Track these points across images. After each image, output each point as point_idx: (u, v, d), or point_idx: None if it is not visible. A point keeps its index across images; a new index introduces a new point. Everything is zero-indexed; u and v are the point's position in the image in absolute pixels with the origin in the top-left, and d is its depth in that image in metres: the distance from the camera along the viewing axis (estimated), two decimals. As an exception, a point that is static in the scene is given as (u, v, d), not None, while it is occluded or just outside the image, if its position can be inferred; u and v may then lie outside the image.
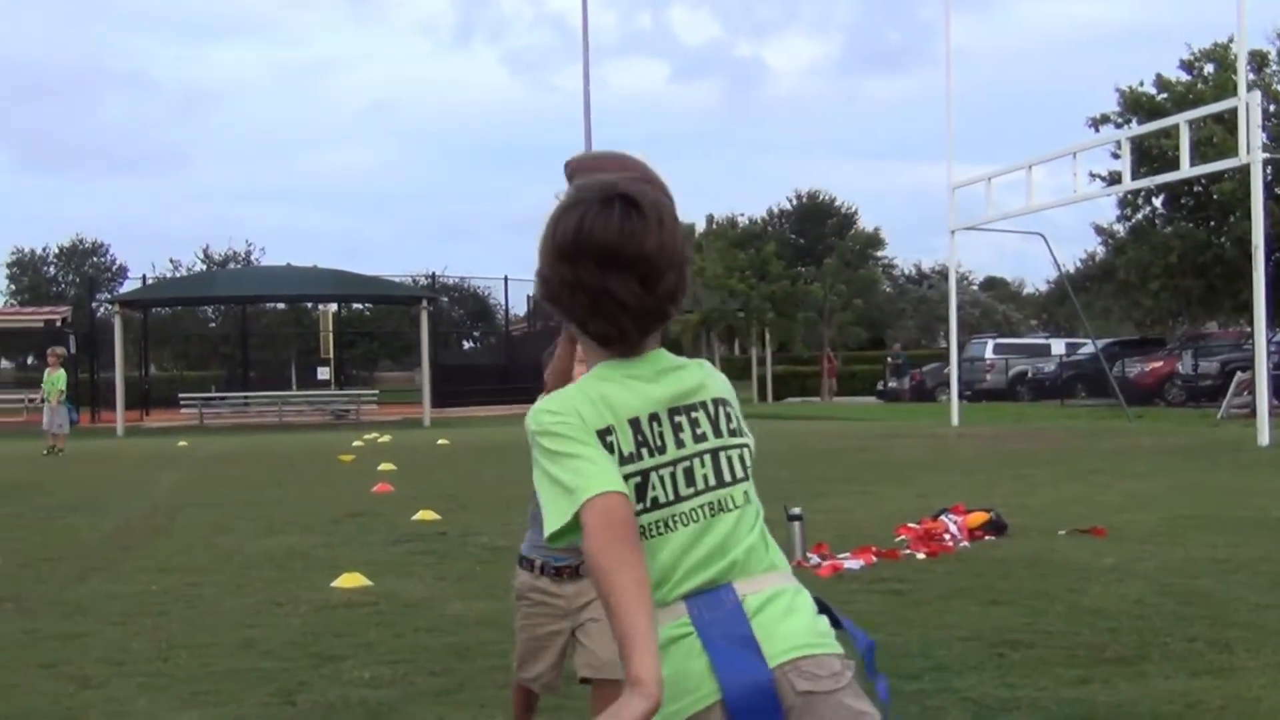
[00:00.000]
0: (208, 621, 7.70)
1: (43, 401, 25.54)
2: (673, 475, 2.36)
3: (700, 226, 62.13)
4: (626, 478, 2.32)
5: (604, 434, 2.33)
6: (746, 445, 2.46)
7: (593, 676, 4.30)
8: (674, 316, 2.42)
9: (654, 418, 2.37)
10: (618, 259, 2.30)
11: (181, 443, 28.86)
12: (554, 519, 2.27)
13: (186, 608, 8.14)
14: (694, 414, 2.41)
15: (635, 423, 2.36)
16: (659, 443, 2.37)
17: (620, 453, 2.34)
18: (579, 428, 2.32)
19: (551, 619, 4.37)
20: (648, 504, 2.35)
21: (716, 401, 2.45)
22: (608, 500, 2.24)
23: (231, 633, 7.34)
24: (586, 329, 2.39)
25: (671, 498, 2.36)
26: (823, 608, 2.45)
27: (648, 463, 2.35)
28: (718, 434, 2.42)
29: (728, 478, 2.41)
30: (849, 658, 2.38)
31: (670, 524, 2.35)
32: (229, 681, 6.20)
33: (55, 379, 25.92)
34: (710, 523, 2.36)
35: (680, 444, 2.38)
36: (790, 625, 2.33)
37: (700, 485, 2.38)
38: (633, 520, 2.28)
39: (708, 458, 2.40)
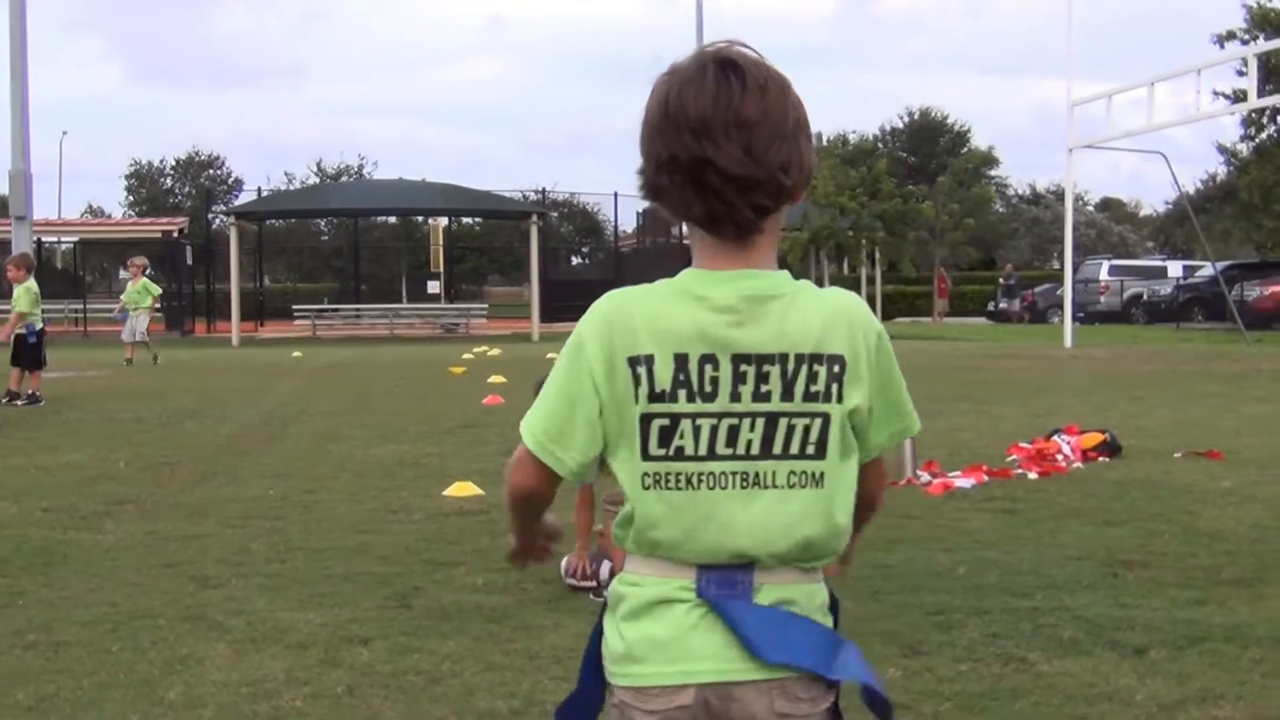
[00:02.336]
0: (323, 526, 7.82)
1: (132, 310, 25.79)
2: (713, 429, 2.06)
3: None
4: (651, 416, 2.06)
5: (635, 362, 2.06)
6: (825, 415, 2.08)
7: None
8: (792, 195, 2.08)
9: (709, 359, 2.05)
10: (714, 126, 2.02)
11: (295, 353, 29.27)
12: (566, 455, 2.14)
13: (303, 513, 8.27)
14: (766, 367, 2.06)
15: (682, 359, 2.06)
16: (707, 389, 2.05)
17: (650, 387, 2.05)
18: (610, 348, 2.08)
19: None
20: (670, 452, 2.06)
21: (807, 358, 2.07)
22: (526, 467, 2.18)
23: (346, 538, 7.45)
24: (692, 213, 2.07)
25: (704, 453, 2.06)
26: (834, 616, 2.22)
27: (683, 407, 2.05)
28: (786, 397, 2.06)
29: (778, 449, 2.07)
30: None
31: (695, 481, 2.07)
32: (345, 584, 6.31)
33: (139, 288, 26.21)
34: (742, 496, 2.07)
35: (735, 397, 2.06)
36: (794, 636, 2.08)
37: (741, 450, 2.07)
38: (534, 496, 2.22)
39: (760, 421, 2.06)
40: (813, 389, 2.07)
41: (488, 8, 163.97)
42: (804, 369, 2.07)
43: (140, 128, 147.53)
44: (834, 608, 2.22)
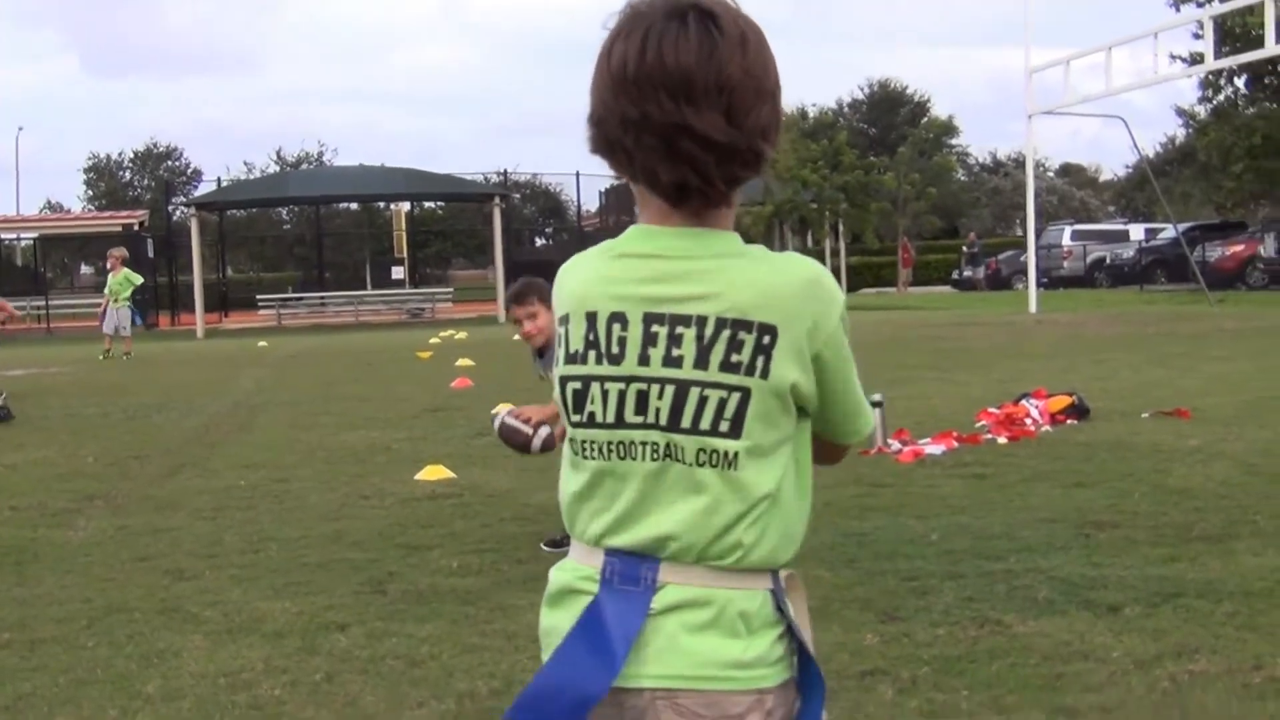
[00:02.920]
0: (296, 515, 7.80)
1: (114, 302, 25.54)
2: (621, 394, 1.88)
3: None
4: (567, 379, 1.93)
5: (561, 322, 1.95)
6: (744, 389, 1.85)
7: None
8: (766, 160, 1.88)
9: (618, 317, 1.88)
10: (695, 87, 1.79)
11: (261, 343, 29.15)
12: None
13: (274, 502, 8.25)
14: (679, 328, 1.85)
15: (591, 317, 1.90)
16: (614, 350, 1.88)
17: (566, 348, 1.93)
18: (554, 310, 2.00)
19: None
20: (584, 418, 1.92)
21: (730, 323, 1.84)
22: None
23: (320, 525, 7.44)
24: (658, 179, 1.84)
25: (612, 420, 1.89)
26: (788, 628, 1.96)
27: (591, 369, 1.90)
28: (700, 364, 1.84)
29: (685, 423, 1.86)
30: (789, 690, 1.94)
31: (605, 451, 1.91)
32: (320, 572, 6.30)
33: (120, 280, 26.00)
34: (654, 469, 1.88)
35: (644, 360, 1.87)
36: (693, 644, 1.86)
37: (650, 419, 1.87)
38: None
39: (669, 389, 1.86)
40: (734, 359, 1.84)
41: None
42: (725, 334, 1.84)
43: (97, 121, 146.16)
44: (790, 627, 1.95)
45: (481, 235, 56.55)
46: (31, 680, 4.80)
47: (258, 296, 45.17)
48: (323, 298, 45.07)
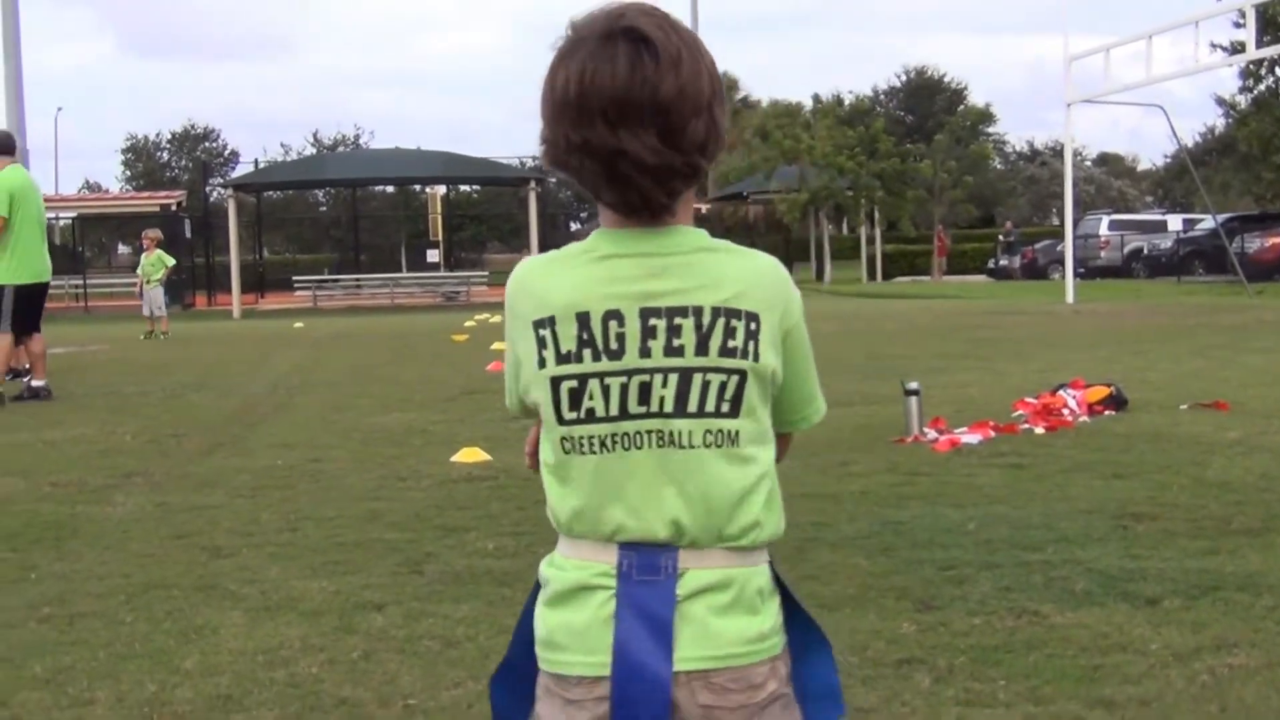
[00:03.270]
0: (332, 495, 7.83)
1: (148, 282, 25.64)
2: (623, 387, 1.95)
3: (807, 105, 61.47)
4: (560, 379, 1.97)
5: (539, 325, 1.98)
6: (742, 371, 1.98)
7: None
8: (705, 171, 2.00)
9: (613, 315, 1.95)
10: (629, 111, 1.89)
11: (297, 324, 29.30)
12: (508, 400, 2.16)
13: (311, 482, 8.28)
14: (678, 319, 1.95)
15: (584, 318, 1.96)
16: (613, 346, 1.95)
17: (556, 349, 1.97)
18: (519, 314, 2.03)
19: None
20: (582, 414, 1.97)
21: (724, 311, 1.97)
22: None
23: (356, 506, 7.46)
24: (604, 198, 1.98)
25: (615, 413, 1.96)
26: (785, 593, 2.09)
27: (588, 366, 1.96)
28: (701, 351, 1.95)
29: (692, 407, 1.96)
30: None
31: (609, 444, 1.97)
32: (357, 552, 6.32)
33: (153, 260, 26.06)
34: (659, 457, 1.97)
35: (645, 352, 1.95)
36: (723, 626, 1.97)
37: (654, 407, 1.96)
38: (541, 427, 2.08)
39: (674, 378, 1.95)
40: (729, 345, 1.97)
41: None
42: (720, 323, 1.97)
43: (135, 102, 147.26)
44: (785, 592, 2.09)
45: (517, 219, 56.70)
46: (71, 654, 4.83)
47: (294, 278, 45.41)
48: (358, 280, 45.30)
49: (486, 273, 49.52)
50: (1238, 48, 34.81)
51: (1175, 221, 49.59)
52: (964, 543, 6.12)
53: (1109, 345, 17.10)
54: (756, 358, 1.98)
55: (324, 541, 6.56)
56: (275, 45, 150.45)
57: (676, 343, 1.95)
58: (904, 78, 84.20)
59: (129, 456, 9.47)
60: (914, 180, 53.80)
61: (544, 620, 2.04)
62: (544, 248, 40.51)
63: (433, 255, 51.01)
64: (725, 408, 1.96)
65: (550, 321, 1.97)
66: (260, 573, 5.96)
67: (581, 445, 1.98)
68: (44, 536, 6.83)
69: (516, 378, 2.08)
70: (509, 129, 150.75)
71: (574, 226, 66.19)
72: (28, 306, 13.29)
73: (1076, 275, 32.61)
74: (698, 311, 1.95)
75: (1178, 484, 7.37)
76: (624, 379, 1.95)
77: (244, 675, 4.55)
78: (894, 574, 5.60)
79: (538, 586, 2.10)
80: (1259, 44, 27.12)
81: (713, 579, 1.96)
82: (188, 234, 44.30)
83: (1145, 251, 46.92)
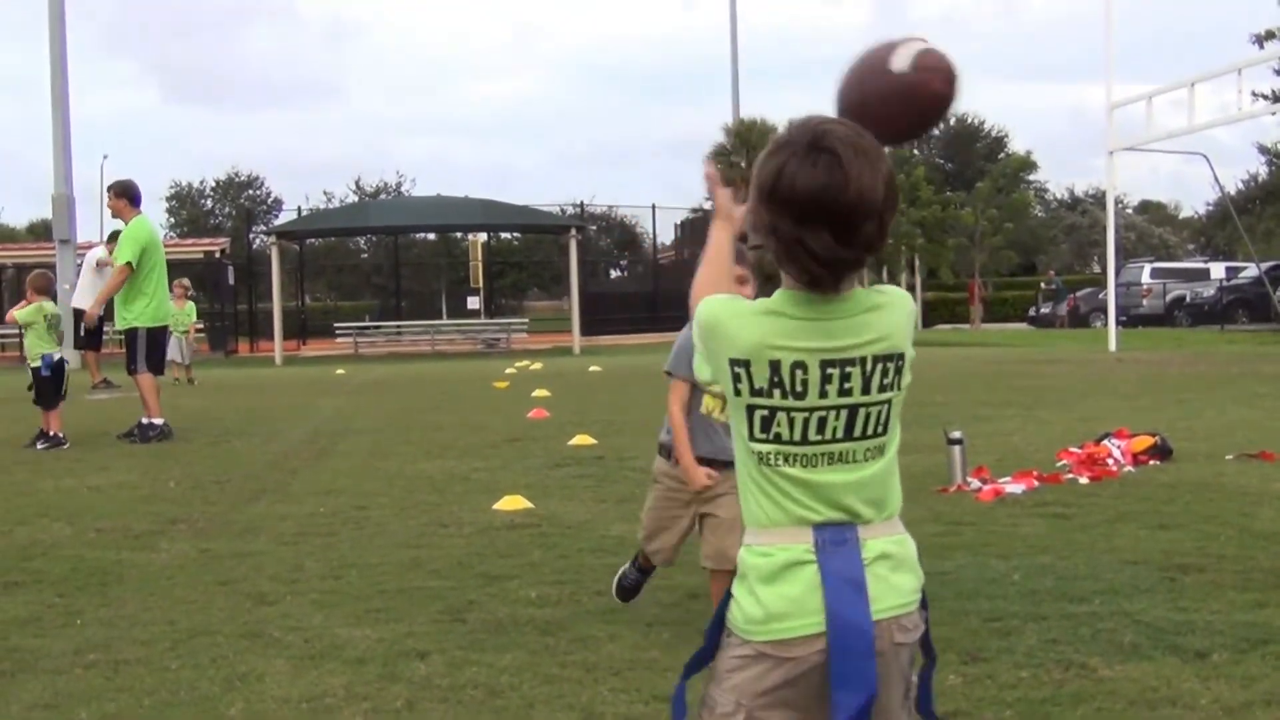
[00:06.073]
0: (375, 542, 7.84)
1: (179, 332, 25.84)
2: (806, 420, 2.48)
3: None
4: (754, 408, 2.50)
5: (735, 363, 2.48)
6: (890, 401, 2.53)
7: (713, 568, 5.29)
8: (867, 262, 2.52)
9: (799, 365, 2.46)
10: (812, 212, 2.38)
11: (339, 370, 29.41)
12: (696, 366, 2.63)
13: (354, 529, 8.30)
14: (848, 368, 2.48)
15: (775, 365, 2.46)
16: (798, 389, 2.47)
17: (750, 384, 2.49)
18: (714, 349, 2.52)
19: (678, 505, 5.45)
20: (770, 436, 2.50)
21: (881, 359, 2.50)
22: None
23: (399, 553, 7.47)
24: (789, 271, 2.47)
25: (798, 439, 2.49)
26: None
27: (778, 402, 2.48)
28: (865, 391, 2.49)
29: (857, 433, 2.51)
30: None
31: (791, 460, 2.50)
32: (400, 599, 6.32)
33: (187, 311, 26.24)
34: (828, 471, 2.50)
35: (824, 394, 2.47)
36: (899, 581, 2.53)
37: (829, 435, 2.49)
38: None
39: (844, 413, 2.49)
40: (884, 382, 2.51)
41: (517, 19, 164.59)
42: (879, 368, 2.50)
43: (178, 149, 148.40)
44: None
45: (557, 266, 56.78)
46: (117, 701, 4.84)
47: (335, 325, 45.56)
48: (399, 326, 45.40)
49: (527, 319, 49.70)
50: (1280, 96, 34.67)
51: (1218, 269, 49.32)
52: (1009, 594, 6.08)
53: (1152, 394, 17.00)
54: (900, 387, 2.55)
55: (367, 589, 6.57)
56: (318, 92, 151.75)
57: (847, 386, 2.48)
58: (944, 125, 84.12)
59: (173, 503, 9.52)
60: (954, 228, 53.74)
61: (759, 599, 2.49)
62: (584, 295, 40.74)
63: (473, 302, 51.13)
64: (880, 429, 2.53)
65: (746, 363, 2.48)
66: (304, 620, 5.96)
67: (771, 459, 2.50)
68: (89, 583, 6.86)
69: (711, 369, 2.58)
70: (550, 176, 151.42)
71: (614, 274, 66.24)
72: (153, 347, 14.32)
73: (1119, 323, 32.42)
74: (862, 361, 2.48)
75: (1225, 535, 7.31)
76: (806, 414, 2.48)
77: (288, 723, 4.54)
78: (939, 625, 5.53)
79: (727, 596, 2.59)
80: (1302, 92, 27.00)
81: (886, 546, 2.53)
82: (231, 281, 44.55)
83: (1188, 299, 46.69)
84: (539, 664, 5.18)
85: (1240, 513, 7.98)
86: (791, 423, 2.49)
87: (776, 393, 2.48)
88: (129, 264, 13.94)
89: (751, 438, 2.52)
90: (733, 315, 2.51)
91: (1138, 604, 5.83)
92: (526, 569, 6.93)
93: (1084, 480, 9.36)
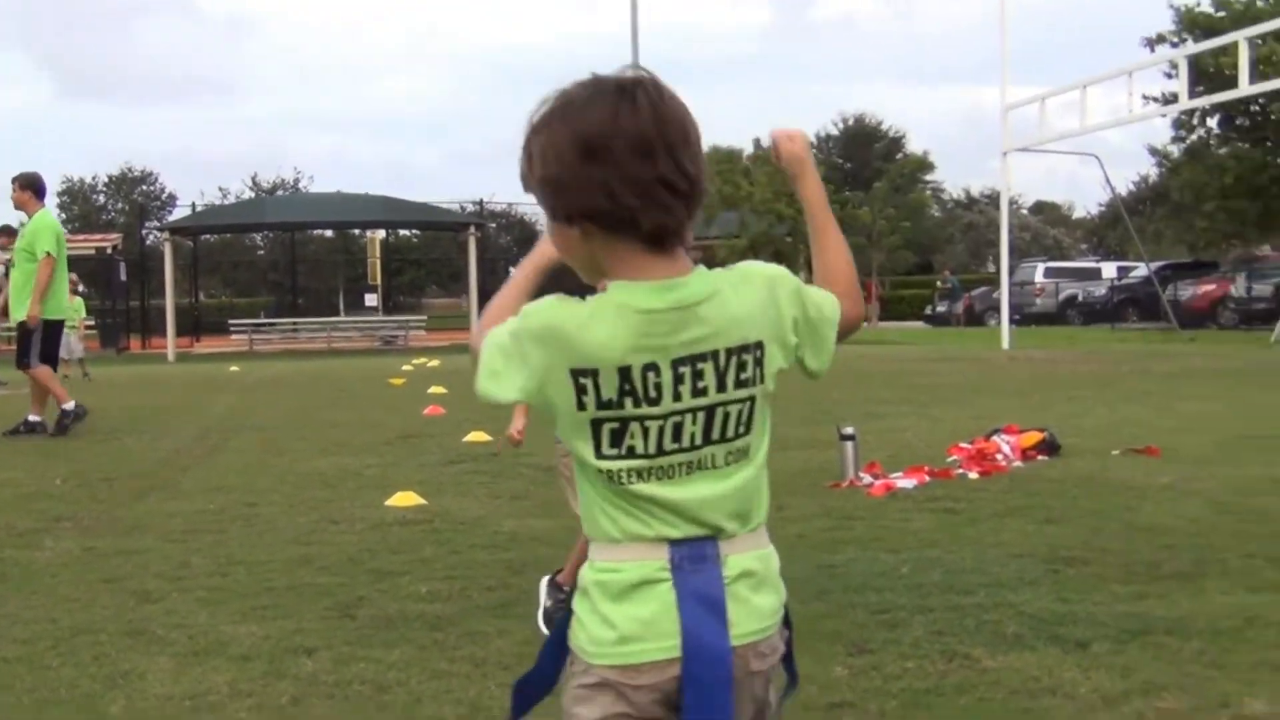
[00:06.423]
0: (265, 539, 7.76)
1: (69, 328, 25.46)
2: (660, 429, 2.18)
3: (748, 151, 61.84)
4: (601, 421, 2.18)
5: (579, 374, 2.15)
6: (752, 397, 2.24)
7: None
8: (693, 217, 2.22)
9: (650, 368, 2.16)
10: (663, 145, 2.11)
11: (233, 368, 29.10)
12: (483, 382, 2.25)
13: (244, 526, 8.21)
14: (699, 364, 2.18)
15: (625, 371, 2.15)
16: (652, 394, 2.17)
17: (598, 397, 2.16)
18: (552, 362, 2.17)
19: None
20: (623, 451, 2.20)
21: (736, 350, 2.20)
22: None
23: (288, 550, 7.40)
24: (639, 228, 2.14)
25: (653, 451, 2.19)
26: None
27: (629, 411, 2.17)
28: (721, 388, 2.20)
29: (716, 435, 2.22)
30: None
31: (645, 475, 2.20)
32: (288, 596, 6.26)
33: (76, 306, 25.90)
34: (688, 480, 2.21)
35: (677, 396, 2.18)
36: (760, 602, 2.26)
37: (686, 443, 2.20)
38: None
39: (701, 415, 2.20)
40: (742, 376, 2.21)
41: (417, 18, 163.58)
42: (734, 360, 2.20)
43: (70, 144, 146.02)
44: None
45: (456, 264, 56.55)
46: (-6, 701, 4.75)
47: (230, 321, 45.05)
48: (296, 323, 45.00)
49: (425, 317, 49.43)
50: (1170, 98, 35.30)
51: (1109, 269, 50.20)
52: (897, 586, 6.14)
53: (1043, 391, 17.24)
54: (763, 380, 2.24)
55: (255, 586, 6.49)
56: (215, 87, 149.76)
57: (700, 385, 2.18)
58: (842, 125, 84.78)
59: (58, 501, 9.35)
60: (852, 227, 54.15)
61: (606, 619, 2.21)
62: (483, 293, 40.56)
63: (371, 299, 50.84)
64: (741, 430, 2.23)
65: (593, 373, 2.15)
66: (189, 617, 5.88)
67: (624, 477, 2.19)
68: (-31, 581, 6.72)
69: (525, 386, 2.21)
70: (449, 174, 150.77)
71: (512, 271, 66.04)
72: (48, 341, 14.19)
73: (1012, 322, 32.87)
74: (715, 355, 2.18)
75: (1109, 529, 7.43)
76: (661, 421, 2.17)
77: (170, 721, 4.48)
78: (827, 618, 5.60)
79: (567, 614, 2.30)
80: (1191, 95, 27.53)
81: (748, 563, 2.25)
82: (123, 277, 43.92)
83: (1080, 298, 47.46)
84: (427, 659, 5.15)
85: (1124, 507, 8.11)
86: (646, 433, 2.18)
87: (628, 401, 2.16)
88: (50, 254, 13.82)
89: (599, 455, 2.20)
90: (571, 318, 2.17)
91: (1022, 596, 5.90)
92: (417, 565, 6.88)
93: (974, 475, 9.47)
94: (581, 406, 2.17)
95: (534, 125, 2.19)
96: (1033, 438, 10.44)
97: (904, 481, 9.13)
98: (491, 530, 7.83)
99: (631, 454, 2.19)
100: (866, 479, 9.19)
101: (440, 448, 12.04)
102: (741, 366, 2.21)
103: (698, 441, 2.21)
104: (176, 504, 9.08)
